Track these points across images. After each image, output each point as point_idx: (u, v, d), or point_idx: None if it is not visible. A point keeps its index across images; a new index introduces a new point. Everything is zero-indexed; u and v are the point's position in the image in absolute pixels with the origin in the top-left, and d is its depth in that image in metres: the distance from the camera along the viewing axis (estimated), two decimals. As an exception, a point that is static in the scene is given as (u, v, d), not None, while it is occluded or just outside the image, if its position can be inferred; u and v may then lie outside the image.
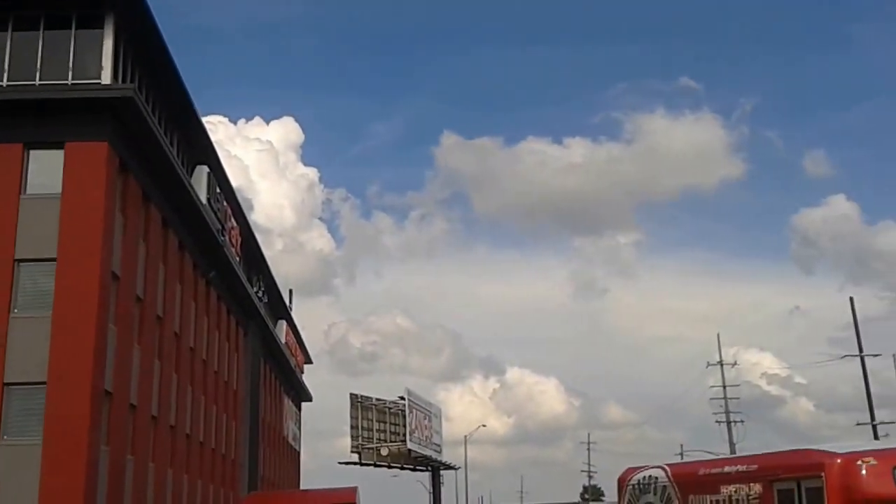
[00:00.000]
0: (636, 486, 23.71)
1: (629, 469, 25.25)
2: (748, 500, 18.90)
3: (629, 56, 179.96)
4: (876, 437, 55.29)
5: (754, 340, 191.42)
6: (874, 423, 58.04)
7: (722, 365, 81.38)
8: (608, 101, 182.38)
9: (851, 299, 62.66)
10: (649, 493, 22.89)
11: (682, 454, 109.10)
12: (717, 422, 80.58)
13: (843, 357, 63.09)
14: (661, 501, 22.09)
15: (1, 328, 24.12)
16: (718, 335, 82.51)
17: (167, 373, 32.30)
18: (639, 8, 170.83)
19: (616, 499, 25.37)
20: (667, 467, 22.82)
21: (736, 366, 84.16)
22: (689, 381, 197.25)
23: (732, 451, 79.35)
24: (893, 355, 62.56)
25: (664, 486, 22.07)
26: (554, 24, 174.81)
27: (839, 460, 16.30)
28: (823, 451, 17.37)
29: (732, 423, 79.66)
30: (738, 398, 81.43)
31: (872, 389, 59.49)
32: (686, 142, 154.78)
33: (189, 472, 35.25)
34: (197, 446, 36.70)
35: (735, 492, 19.34)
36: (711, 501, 19.98)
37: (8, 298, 24.37)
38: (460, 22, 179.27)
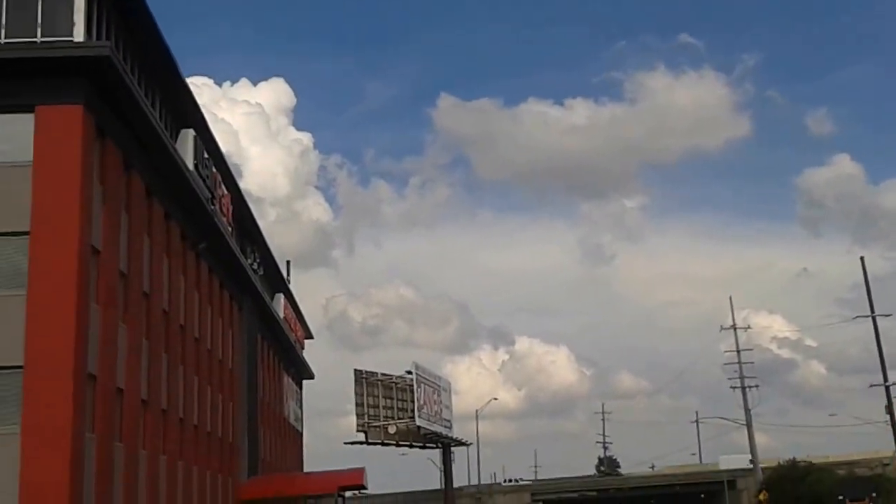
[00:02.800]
0: None
1: None
2: None
3: (626, 13, 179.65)
4: (889, 398, 54.97)
5: (763, 303, 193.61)
6: (887, 383, 57.64)
7: (735, 329, 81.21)
8: (608, 60, 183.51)
9: (862, 259, 62.27)
10: None
11: (697, 422, 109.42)
12: (731, 387, 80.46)
13: (854, 318, 62.98)
14: None
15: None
16: (731, 299, 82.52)
17: (156, 353, 31.60)
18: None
19: None
20: None
21: (748, 329, 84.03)
22: (701, 346, 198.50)
23: (748, 417, 79.29)
24: (904, 315, 62.04)
25: None
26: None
27: None
28: None
29: (747, 389, 79.49)
30: (751, 363, 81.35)
31: (884, 350, 59.21)
32: (689, 101, 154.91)
33: (184, 458, 34.66)
34: (191, 431, 36.08)
35: None
36: None
37: (-23, 276, 23.69)
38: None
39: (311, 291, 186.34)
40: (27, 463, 22.58)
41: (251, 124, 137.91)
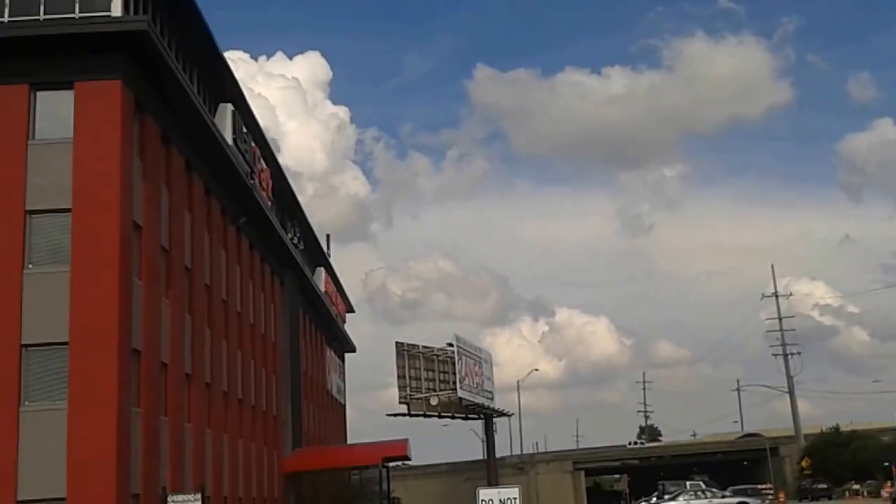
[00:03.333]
0: None
1: None
2: None
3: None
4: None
5: (805, 270, 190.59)
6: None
7: (777, 296, 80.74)
8: (645, 27, 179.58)
9: (905, 224, 61.09)
10: None
11: (738, 390, 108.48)
12: (773, 355, 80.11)
13: (899, 283, 62.09)
14: None
15: (13, 285, 23.37)
16: (773, 266, 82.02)
17: (199, 328, 31.56)
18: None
19: None
20: None
21: (790, 297, 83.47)
22: (742, 315, 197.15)
23: (790, 384, 78.71)
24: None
25: None
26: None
27: None
28: None
29: (789, 356, 78.96)
30: (793, 330, 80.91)
31: (928, 315, 58.15)
32: (729, 67, 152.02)
33: (228, 431, 34.70)
34: (235, 404, 36.12)
35: None
36: None
37: (21, 253, 23.71)
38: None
39: (350, 265, 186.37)
40: (74, 438, 22.62)
41: (288, 99, 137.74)
